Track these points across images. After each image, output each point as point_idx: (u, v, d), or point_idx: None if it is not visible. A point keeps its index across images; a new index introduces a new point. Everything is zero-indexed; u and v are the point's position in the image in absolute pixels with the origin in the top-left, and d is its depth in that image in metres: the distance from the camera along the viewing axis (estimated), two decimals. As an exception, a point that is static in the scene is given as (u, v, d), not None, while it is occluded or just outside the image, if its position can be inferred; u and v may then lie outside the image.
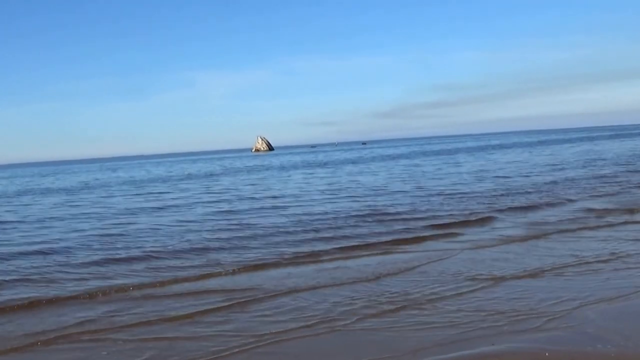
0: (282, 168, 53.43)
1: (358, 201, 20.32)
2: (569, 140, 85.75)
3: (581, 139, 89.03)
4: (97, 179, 52.89)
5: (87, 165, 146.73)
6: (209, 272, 10.15)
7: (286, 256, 11.20)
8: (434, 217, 15.55)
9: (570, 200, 17.52)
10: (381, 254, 11.20)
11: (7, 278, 10.38)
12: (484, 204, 17.63)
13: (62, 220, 19.63)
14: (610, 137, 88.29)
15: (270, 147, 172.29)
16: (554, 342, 6.01)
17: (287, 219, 16.38)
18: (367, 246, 12.00)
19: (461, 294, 8.03)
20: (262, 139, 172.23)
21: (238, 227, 15.47)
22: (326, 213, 17.37)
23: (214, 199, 24.38)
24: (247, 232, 14.36)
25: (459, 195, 20.23)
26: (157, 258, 11.66)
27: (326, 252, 11.57)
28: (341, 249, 11.83)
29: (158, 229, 15.89)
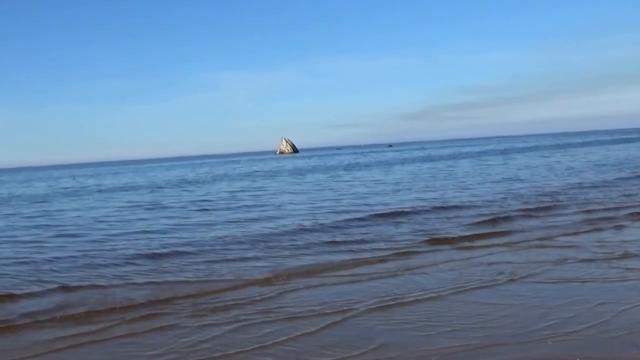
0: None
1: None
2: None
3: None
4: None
5: (122, 167, 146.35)
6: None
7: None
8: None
9: None
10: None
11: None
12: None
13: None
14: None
15: (295, 150, 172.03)
16: (585, 348, 5.90)
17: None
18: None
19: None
20: (286, 141, 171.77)
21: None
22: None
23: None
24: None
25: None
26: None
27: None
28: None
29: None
